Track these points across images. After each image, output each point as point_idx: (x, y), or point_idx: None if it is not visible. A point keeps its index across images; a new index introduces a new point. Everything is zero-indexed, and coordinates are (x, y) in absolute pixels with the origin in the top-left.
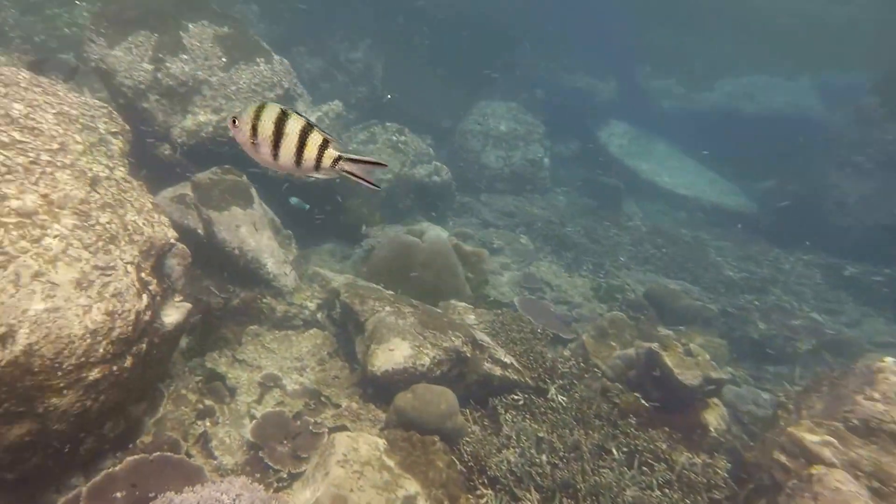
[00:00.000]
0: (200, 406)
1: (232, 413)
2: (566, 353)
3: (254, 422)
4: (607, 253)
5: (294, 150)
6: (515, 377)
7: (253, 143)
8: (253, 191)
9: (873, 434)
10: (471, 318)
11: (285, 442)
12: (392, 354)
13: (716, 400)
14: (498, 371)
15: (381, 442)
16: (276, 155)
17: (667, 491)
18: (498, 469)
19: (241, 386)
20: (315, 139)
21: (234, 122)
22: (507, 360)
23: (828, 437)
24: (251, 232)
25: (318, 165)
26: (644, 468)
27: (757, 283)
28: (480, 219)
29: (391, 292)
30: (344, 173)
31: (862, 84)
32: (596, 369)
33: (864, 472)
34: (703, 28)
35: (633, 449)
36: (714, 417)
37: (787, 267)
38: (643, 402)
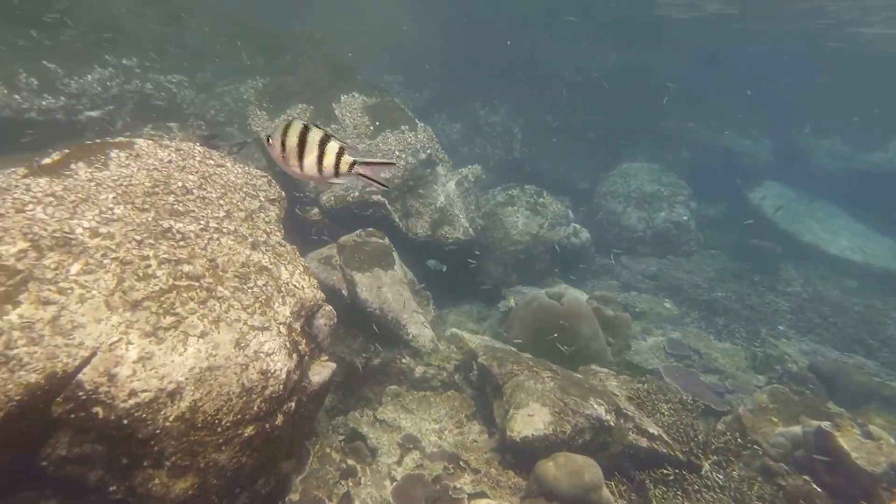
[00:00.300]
0: (343, 465)
1: (373, 473)
2: (720, 426)
3: (394, 484)
4: (763, 320)
5: (316, 158)
6: (664, 450)
7: (283, 156)
8: (394, 253)
9: None
10: (613, 385)
11: None
12: (531, 420)
13: None
14: (644, 442)
15: None
16: (301, 165)
17: None
18: None
19: (381, 446)
20: (333, 147)
21: (268, 140)
22: (655, 430)
23: None
24: (392, 293)
25: (337, 171)
26: None
27: None
28: (621, 281)
29: (529, 355)
30: (360, 176)
31: None
32: (756, 446)
33: None
34: (875, 83)
35: None
36: None
37: None
38: (814, 486)
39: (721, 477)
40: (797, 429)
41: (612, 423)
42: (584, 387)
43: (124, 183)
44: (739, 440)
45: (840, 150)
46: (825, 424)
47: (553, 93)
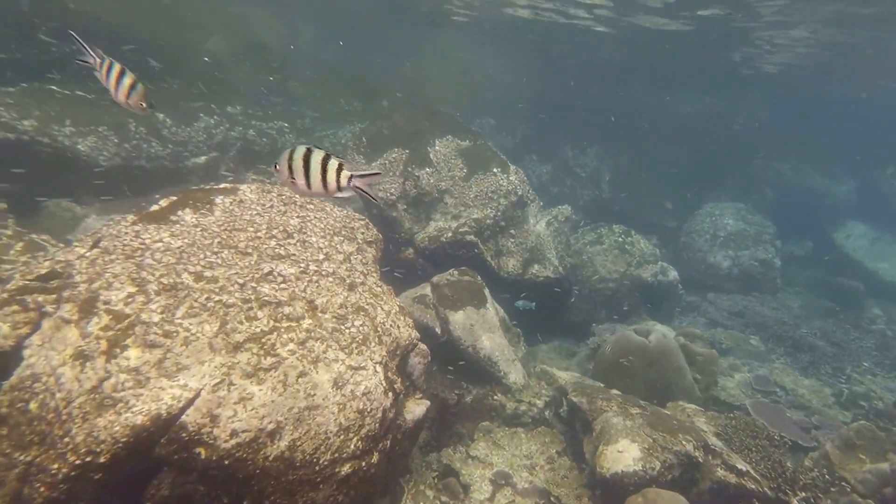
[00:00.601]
0: (437, 503)
1: None
2: (807, 462)
3: None
4: (848, 357)
5: (319, 176)
6: (752, 486)
7: (291, 180)
8: (486, 291)
9: None
10: (700, 421)
11: None
12: (621, 456)
13: None
14: (733, 478)
15: None
16: (308, 184)
17: None
18: None
19: (473, 483)
20: (333, 164)
21: (275, 167)
22: (743, 467)
23: None
24: (484, 331)
25: (339, 186)
26: None
27: None
28: (707, 318)
29: (618, 392)
30: (358, 190)
31: None
32: (844, 483)
33: None
34: None
35: None
36: None
37: None
38: None
39: None
40: (885, 466)
41: (700, 460)
42: (672, 423)
43: (228, 228)
44: (827, 476)
45: None
46: None
47: (644, 136)
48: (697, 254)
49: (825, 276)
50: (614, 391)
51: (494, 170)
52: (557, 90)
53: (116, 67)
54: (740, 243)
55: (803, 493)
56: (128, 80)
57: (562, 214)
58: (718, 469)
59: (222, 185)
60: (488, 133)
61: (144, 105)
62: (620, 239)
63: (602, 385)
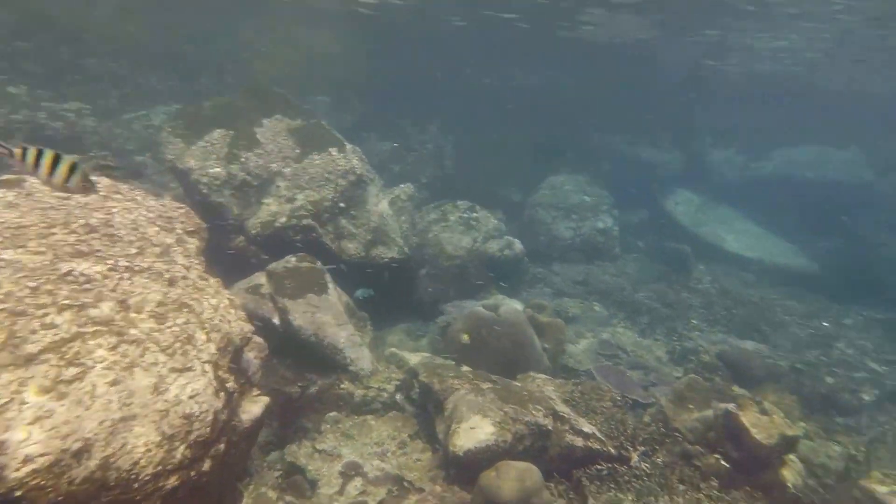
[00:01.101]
0: (282, 503)
1: None
2: (646, 418)
3: None
4: (679, 316)
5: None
6: (598, 447)
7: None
8: (328, 276)
9: None
10: (549, 390)
11: None
12: (474, 433)
13: (792, 456)
14: (580, 442)
15: None
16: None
17: None
18: None
19: (322, 477)
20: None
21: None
22: (589, 429)
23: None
24: (327, 318)
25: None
26: None
27: (822, 339)
28: (553, 288)
29: (468, 368)
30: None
31: None
32: (677, 433)
33: None
34: (759, 102)
35: None
36: (791, 474)
37: (849, 322)
38: (723, 463)
39: (648, 466)
40: (709, 413)
41: (549, 427)
42: (522, 394)
43: (14, 225)
44: (663, 429)
45: (735, 160)
46: (730, 406)
47: (482, 110)
48: (542, 226)
49: (659, 241)
50: (465, 368)
51: (331, 149)
52: (396, 65)
53: (48, 154)
54: (581, 214)
55: (643, 448)
56: (64, 166)
57: (404, 193)
58: (567, 434)
59: (4, 178)
60: (324, 112)
61: (87, 186)
62: (465, 215)
63: (453, 363)
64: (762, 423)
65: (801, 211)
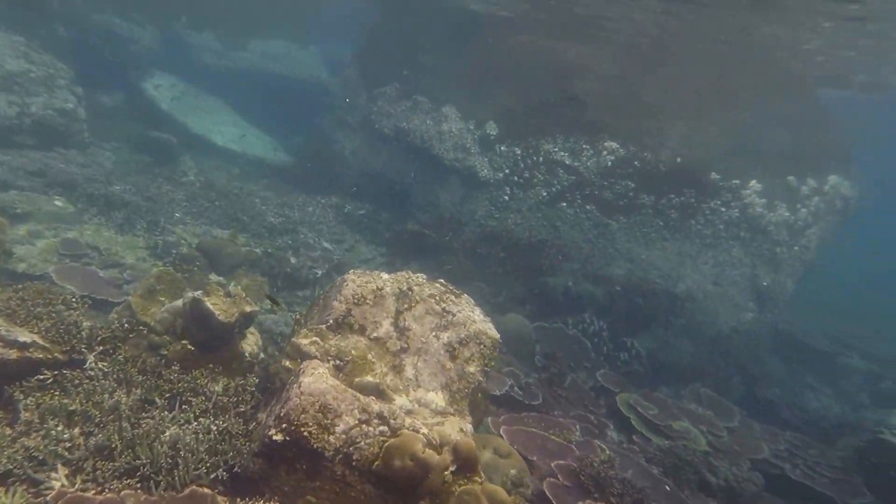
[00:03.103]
0: None
1: None
2: (113, 316)
3: None
4: (162, 210)
5: None
6: (41, 356)
7: None
8: None
9: (340, 328)
10: None
11: None
12: None
13: (252, 329)
14: (14, 354)
15: None
16: None
17: (201, 419)
18: (11, 461)
19: None
20: None
21: None
22: (27, 338)
23: (314, 338)
24: None
25: None
26: (185, 406)
27: (290, 226)
28: None
29: None
30: None
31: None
32: (142, 327)
33: (332, 355)
34: None
35: (175, 392)
36: (249, 345)
37: (311, 209)
38: (189, 347)
39: (105, 365)
40: (179, 302)
41: None
42: None
43: None
44: (127, 325)
45: (213, 46)
46: (197, 293)
47: None
48: None
49: (141, 129)
50: None
51: None
52: None
53: None
54: (28, 88)
55: (101, 347)
56: None
57: None
58: None
59: None
60: None
61: None
62: None
63: None
64: (225, 304)
65: (276, 106)
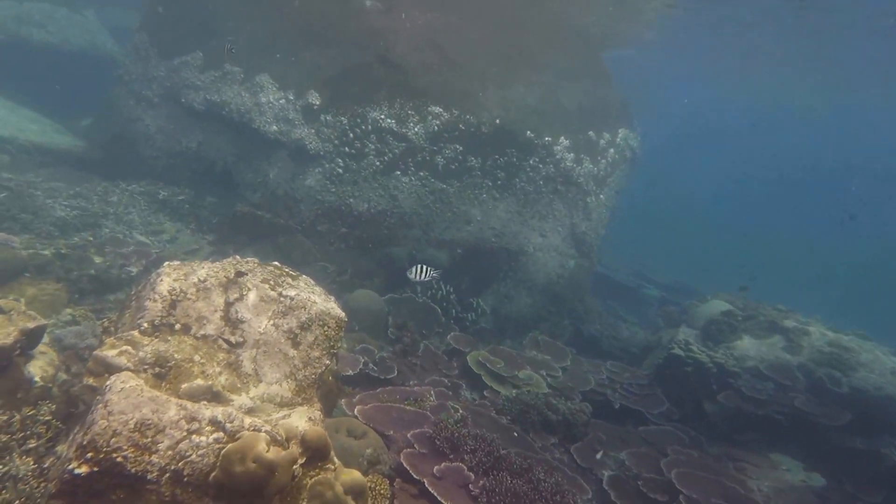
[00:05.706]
0: None
1: None
2: None
3: None
4: None
5: None
6: None
7: None
8: None
9: (158, 331)
10: None
11: None
12: None
13: (42, 348)
14: None
15: None
16: None
17: None
18: None
19: None
20: None
21: None
22: None
23: (125, 347)
24: None
25: None
26: None
27: (90, 220)
28: None
29: None
30: None
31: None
32: None
33: (149, 363)
34: None
35: None
36: (40, 367)
37: (115, 199)
38: None
39: None
40: None
41: None
42: None
43: None
44: None
45: None
46: None
47: None
48: None
49: None
50: None
51: None
52: None
53: None
54: None
55: None
56: None
57: None
58: None
59: None
60: None
61: None
62: None
63: None
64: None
65: (47, 82)
